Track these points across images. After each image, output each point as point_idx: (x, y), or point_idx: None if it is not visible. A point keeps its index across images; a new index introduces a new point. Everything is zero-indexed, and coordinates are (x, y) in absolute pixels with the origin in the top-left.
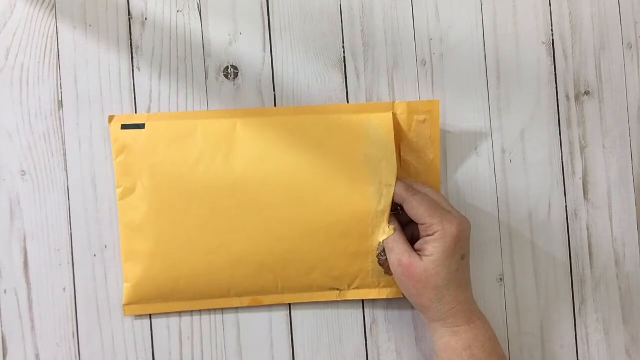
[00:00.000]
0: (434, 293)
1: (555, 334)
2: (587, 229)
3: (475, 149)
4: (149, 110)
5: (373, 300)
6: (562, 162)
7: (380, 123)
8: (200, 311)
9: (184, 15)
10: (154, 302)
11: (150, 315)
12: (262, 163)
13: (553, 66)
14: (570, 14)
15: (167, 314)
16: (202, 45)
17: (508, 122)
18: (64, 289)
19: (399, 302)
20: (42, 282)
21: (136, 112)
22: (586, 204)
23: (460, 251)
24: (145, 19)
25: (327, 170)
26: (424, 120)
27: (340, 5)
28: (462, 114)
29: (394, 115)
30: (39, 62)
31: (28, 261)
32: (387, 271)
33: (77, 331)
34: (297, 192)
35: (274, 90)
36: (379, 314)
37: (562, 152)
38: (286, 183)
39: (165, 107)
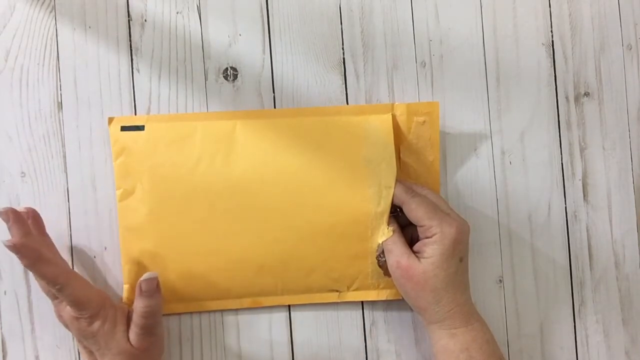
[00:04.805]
0: (432, 295)
1: (554, 335)
2: (587, 230)
3: (475, 150)
4: (148, 112)
5: (372, 302)
6: (562, 164)
7: (380, 125)
8: (199, 312)
9: (183, 17)
10: None
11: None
12: (262, 164)
13: (553, 67)
14: (570, 15)
15: (167, 316)
16: (201, 47)
17: (508, 124)
18: None
19: (398, 303)
20: None
21: (136, 114)
22: (586, 206)
23: (459, 254)
24: (145, 20)
25: (327, 171)
26: (424, 122)
27: (340, 7)
28: (461, 115)
29: (394, 116)
30: (38, 64)
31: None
32: (387, 272)
33: None
34: (297, 193)
35: (274, 92)
36: (379, 315)
37: (561, 153)
38: (285, 184)
39: (165, 108)
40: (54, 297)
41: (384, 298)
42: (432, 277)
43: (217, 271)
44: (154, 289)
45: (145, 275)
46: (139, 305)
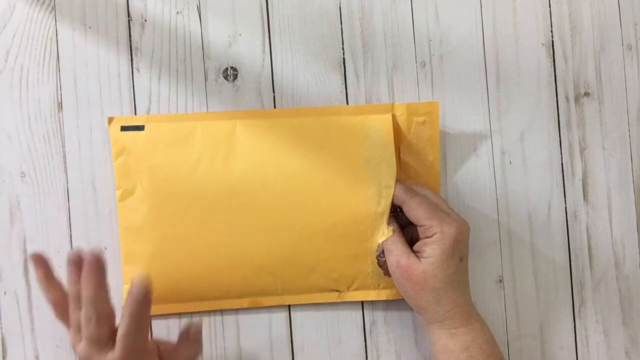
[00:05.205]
0: (432, 295)
1: (554, 335)
2: (587, 230)
3: (475, 150)
4: (148, 112)
5: (372, 302)
6: (562, 164)
7: (380, 124)
8: (199, 313)
9: (183, 17)
10: (154, 303)
11: (150, 316)
12: (262, 164)
13: (553, 67)
14: (569, 15)
15: (167, 316)
16: (201, 47)
17: (507, 124)
18: None
19: (398, 303)
20: None
21: (135, 114)
22: (586, 206)
23: (459, 253)
24: (145, 20)
25: (327, 171)
26: (424, 122)
27: (340, 7)
28: (461, 115)
29: (394, 116)
30: (38, 64)
31: (28, 263)
32: (387, 272)
33: None
34: (297, 193)
35: (274, 92)
36: (379, 315)
37: (561, 153)
38: (285, 184)
39: (165, 108)
40: (75, 330)
41: (384, 298)
42: (432, 277)
43: (217, 271)
44: (200, 331)
45: (193, 322)
46: (184, 350)
